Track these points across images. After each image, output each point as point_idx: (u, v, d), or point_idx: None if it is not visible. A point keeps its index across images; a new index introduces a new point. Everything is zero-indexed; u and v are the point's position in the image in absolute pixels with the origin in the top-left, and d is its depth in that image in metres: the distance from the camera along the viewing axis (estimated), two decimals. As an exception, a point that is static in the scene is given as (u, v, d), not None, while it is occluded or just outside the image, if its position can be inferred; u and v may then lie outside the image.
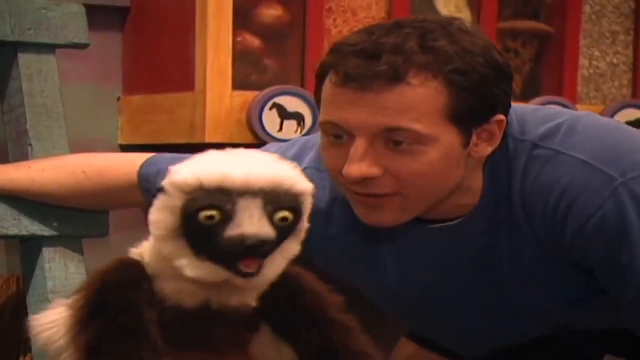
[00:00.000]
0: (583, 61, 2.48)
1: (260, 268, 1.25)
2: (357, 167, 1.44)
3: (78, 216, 1.83)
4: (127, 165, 1.75)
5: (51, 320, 1.31)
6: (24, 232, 1.81)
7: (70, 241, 1.84)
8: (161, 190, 1.26)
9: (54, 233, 1.82)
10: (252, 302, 1.32)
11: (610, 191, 1.47)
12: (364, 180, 1.45)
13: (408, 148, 1.44)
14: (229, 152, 1.30)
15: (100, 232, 1.87)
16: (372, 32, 1.45)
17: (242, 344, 1.34)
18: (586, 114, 1.59)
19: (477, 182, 1.53)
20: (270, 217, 1.24)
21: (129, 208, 1.93)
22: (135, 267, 1.30)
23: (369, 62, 1.42)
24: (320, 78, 1.48)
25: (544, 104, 2.21)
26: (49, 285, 1.80)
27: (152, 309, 1.28)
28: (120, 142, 2.32)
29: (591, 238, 1.48)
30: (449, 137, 1.44)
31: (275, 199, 1.24)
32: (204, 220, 1.23)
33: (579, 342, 1.78)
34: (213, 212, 1.22)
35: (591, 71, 2.50)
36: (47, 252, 1.82)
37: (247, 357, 1.35)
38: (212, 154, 1.29)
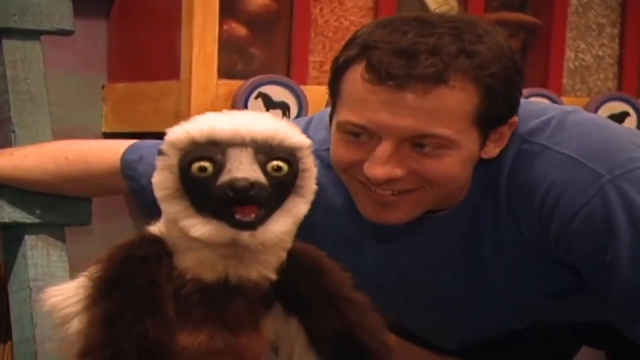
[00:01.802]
0: (569, 53, 2.48)
1: (258, 217, 1.24)
2: (382, 170, 1.43)
3: (61, 204, 1.82)
4: (109, 152, 1.75)
5: (60, 289, 1.31)
6: (6, 219, 1.80)
7: (53, 229, 1.83)
8: (160, 152, 1.28)
9: (36, 220, 1.82)
10: (271, 274, 1.31)
11: (597, 188, 1.47)
12: (387, 181, 1.45)
13: (432, 151, 1.44)
14: (226, 112, 1.31)
15: (83, 220, 1.86)
16: (403, 29, 1.43)
17: (256, 320, 1.34)
18: (575, 110, 1.59)
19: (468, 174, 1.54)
20: (263, 167, 1.24)
21: (112, 195, 1.93)
22: (156, 243, 1.31)
23: (410, 62, 1.40)
24: (342, 70, 1.46)
25: (529, 96, 2.21)
26: (31, 273, 1.79)
27: (171, 285, 1.29)
28: (104, 129, 2.32)
29: (577, 234, 1.48)
30: (470, 141, 1.45)
31: (267, 149, 1.25)
32: (197, 173, 1.24)
33: (557, 333, 1.78)
34: (205, 164, 1.24)
35: (577, 63, 2.50)
36: (29, 240, 1.81)
37: (259, 334, 1.35)
38: (208, 114, 1.30)
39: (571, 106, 1.63)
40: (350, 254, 1.63)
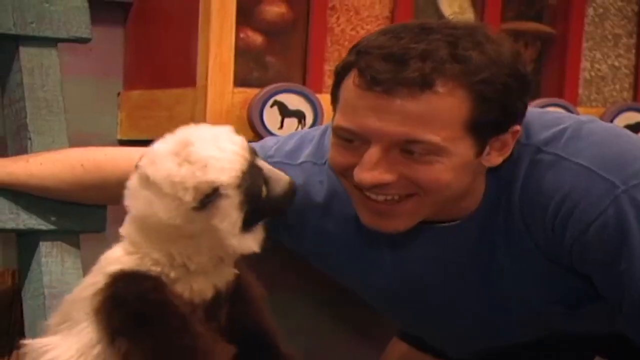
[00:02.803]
0: (585, 63, 2.48)
1: None
2: (370, 175, 1.44)
3: (76, 211, 1.83)
4: (125, 159, 1.74)
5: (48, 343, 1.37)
6: (22, 226, 1.80)
7: (68, 236, 1.84)
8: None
9: (51, 227, 1.82)
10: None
11: (611, 198, 1.47)
12: (377, 186, 1.45)
13: (422, 157, 1.44)
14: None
15: (98, 227, 1.86)
16: (399, 35, 1.44)
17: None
18: (590, 120, 1.59)
19: (480, 185, 1.53)
20: None
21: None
22: (143, 276, 1.36)
23: (397, 67, 1.41)
24: (340, 77, 1.47)
25: (544, 106, 2.20)
26: (45, 280, 1.79)
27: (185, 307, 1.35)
28: (119, 137, 2.32)
29: (591, 244, 1.48)
30: (463, 148, 1.45)
31: None
32: None
33: (570, 343, 1.78)
34: None
35: (592, 73, 2.50)
36: (44, 246, 1.82)
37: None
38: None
39: (587, 116, 1.63)
40: (364, 260, 1.64)
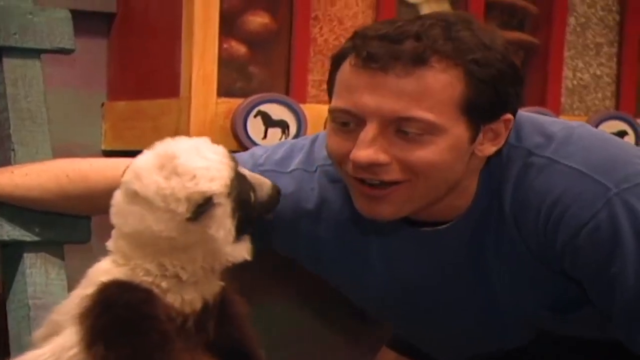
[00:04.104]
0: (567, 72, 2.49)
1: None
2: (365, 152, 1.45)
3: (60, 221, 1.82)
4: (110, 170, 1.74)
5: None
6: (5, 237, 1.80)
7: (52, 247, 1.83)
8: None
9: (35, 238, 1.81)
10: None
11: (603, 201, 1.47)
12: (371, 167, 1.46)
13: (417, 138, 1.45)
14: None
15: (83, 237, 1.86)
16: (395, 21, 1.48)
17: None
18: (580, 124, 1.60)
19: (472, 183, 1.54)
20: None
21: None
22: (135, 287, 1.36)
23: (393, 45, 1.43)
24: (337, 63, 1.49)
25: (528, 115, 2.21)
26: (30, 291, 1.79)
27: (171, 321, 1.35)
28: (103, 147, 2.32)
29: (583, 247, 1.48)
30: (458, 130, 1.45)
31: None
32: None
33: (562, 349, 1.78)
34: None
35: (575, 82, 2.51)
36: (28, 258, 1.81)
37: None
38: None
39: (576, 121, 1.64)
40: (356, 264, 1.64)
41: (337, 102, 1.48)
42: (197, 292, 1.40)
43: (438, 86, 1.43)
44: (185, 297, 1.38)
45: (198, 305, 1.39)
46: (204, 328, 1.39)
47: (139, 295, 1.34)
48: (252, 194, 1.41)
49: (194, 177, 1.36)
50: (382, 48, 1.43)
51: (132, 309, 1.32)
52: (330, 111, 1.49)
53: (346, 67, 1.47)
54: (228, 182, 1.38)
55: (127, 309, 1.32)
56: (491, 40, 1.46)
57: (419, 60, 1.43)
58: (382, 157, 1.45)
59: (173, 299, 1.37)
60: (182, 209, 1.36)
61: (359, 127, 1.46)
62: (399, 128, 1.45)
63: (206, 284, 1.41)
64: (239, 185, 1.39)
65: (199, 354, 1.39)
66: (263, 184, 1.44)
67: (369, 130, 1.45)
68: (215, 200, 1.37)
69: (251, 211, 1.41)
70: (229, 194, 1.37)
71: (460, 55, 1.43)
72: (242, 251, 1.40)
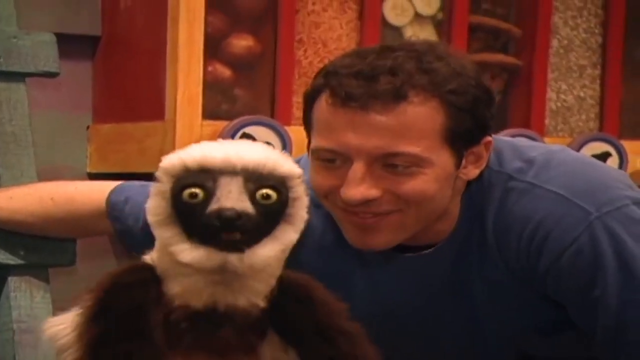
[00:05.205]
0: (550, 94, 2.50)
1: (243, 239, 1.26)
2: (356, 191, 1.44)
3: (45, 245, 1.82)
4: (95, 193, 1.74)
5: (60, 318, 1.33)
6: (-10, 260, 1.80)
7: (37, 270, 1.82)
8: (155, 179, 1.31)
9: (20, 262, 1.81)
10: (260, 301, 1.32)
11: (585, 225, 1.48)
12: (364, 203, 1.46)
13: (405, 170, 1.45)
14: (220, 141, 1.34)
15: (68, 260, 1.85)
16: (363, 55, 1.46)
17: (248, 348, 1.34)
18: (561, 149, 1.60)
19: (455, 208, 1.54)
20: (252, 195, 1.26)
21: (97, 236, 1.92)
22: (145, 270, 1.32)
23: (369, 83, 1.43)
24: (311, 101, 1.48)
25: (512, 136, 2.21)
26: (14, 315, 1.78)
27: (159, 311, 1.30)
28: (88, 170, 2.32)
29: (565, 271, 1.49)
30: (443, 159, 1.46)
31: (257, 178, 1.27)
32: (188, 199, 1.26)
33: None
34: (196, 190, 1.26)
35: (559, 104, 2.53)
36: (13, 281, 1.80)
37: None
38: (203, 143, 1.33)
39: (557, 145, 1.65)
40: (339, 290, 1.64)
41: (320, 142, 1.47)
42: (200, 289, 1.31)
43: (419, 119, 1.43)
44: (171, 291, 1.31)
45: (197, 304, 1.31)
46: (206, 333, 1.31)
47: (134, 278, 1.31)
48: (200, 195, 1.28)
49: None
50: (359, 88, 1.42)
51: (124, 292, 1.30)
52: (314, 150, 1.49)
53: (323, 106, 1.46)
54: (177, 167, 1.31)
55: (121, 290, 1.30)
56: (462, 67, 1.46)
57: (398, 96, 1.42)
58: (374, 192, 1.45)
59: (167, 288, 1.31)
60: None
61: (345, 163, 1.46)
62: (386, 162, 1.45)
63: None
64: (187, 179, 1.28)
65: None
66: (220, 200, 1.28)
67: (357, 169, 1.44)
68: None
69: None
70: (172, 179, 1.30)
71: (436, 87, 1.44)
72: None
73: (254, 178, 1.26)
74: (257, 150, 1.30)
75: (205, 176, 1.26)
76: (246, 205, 1.25)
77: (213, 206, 1.25)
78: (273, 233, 1.29)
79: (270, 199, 1.27)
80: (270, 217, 1.28)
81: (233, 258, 1.26)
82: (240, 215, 1.24)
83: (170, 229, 1.29)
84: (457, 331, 1.62)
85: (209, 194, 1.25)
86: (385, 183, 1.45)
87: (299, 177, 1.30)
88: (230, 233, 1.25)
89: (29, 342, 1.75)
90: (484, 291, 1.57)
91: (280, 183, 1.28)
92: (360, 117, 1.43)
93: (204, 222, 1.25)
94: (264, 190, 1.27)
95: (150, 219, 1.30)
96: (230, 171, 1.26)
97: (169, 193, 1.28)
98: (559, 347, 1.64)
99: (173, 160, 1.29)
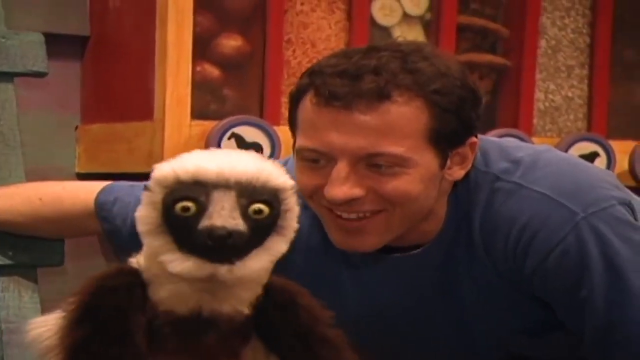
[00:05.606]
0: (539, 94, 2.51)
1: (235, 253, 1.26)
2: (340, 190, 1.45)
3: (33, 245, 1.82)
4: (84, 193, 1.74)
5: (44, 320, 1.33)
6: (-22, 261, 1.79)
7: (25, 270, 1.82)
8: (146, 188, 1.30)
9: (8, 262, 1.81)
10: (244, 308, 1.33)
11: (571, 225, 1.48)
12: (348, 202, 1.46)
13: (389, 170, 1.45)
14: (212, 151, 1.34)
15: (56, 261, 1.85)
16: (349, 55, 1.47)
17: (231, 353, 1.35)
18: (547, 149, 1.60)
19: (442, 208, 1.55)
20: (244, 210, 1.26)
21: (85, 236, 1.92)
22: (131, 274, 1.32)
23: (353, 82, 1.43)
24: (296, 101, 1.48)
25: (500, 136, 2.22)
26: (2, 315, 1.78)
27: (142, 315, 1.30)
28: (77, 170, 2.31)
29: (551, 271, 1.49)
30: (427, 159, 1.46)
31: (250, 192, 1.26)
32: (180, 212, 1.26)
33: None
34: (188, 204, 1.26)
35: (547, 104, 2.53)
36: (1, 281, 1.80)
37: None
38: (195, 152, 1.32)
39: (543, 145, 1.65)
40: (327, 291, 1.64)
41: (304, 142, 1.47)
42: (185, 294, 1.31)
43: (403, 119, 1.43)
44: (156, 296, 1.31)
45: (182, 310, 1.31)
46: (190, 339, 1.32)
47: (119, 282, 1.31)
48: (192, 209, 1.28)
49: None
50: (343, 87, 1.43)
51: (108, 295, 1.30)
52: (298, 150, 1.49)
53: (307, 105, 1.46)
54: (170, 179, 1.30)
55: (105, 293, 1.30)
56: (447, 68, 1.47)
57: (381, 96, 1.43)
58: (357, 191, 1.45)
59: (152, 293, 1.32)
60: None
61: (329, 163, 1.46)
62: (369, 162, 1.45)
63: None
64: (180, 192, 1.28)
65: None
66: (212, 216, 1.27)
67: (341, 169, 1.45)
68: None
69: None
70: (164, 190, 1.30)
71: (420, 87, 1.44)
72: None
73: (247, 193, 1.26)
74: (250, 162, 1.29)
75: (198, 190, 1.26)
76: (238, 223, 1.25)
77: (205, 222, 1.24)
78: (264, 244, 1.29)
79: (262, 214, 1.27)
80: (261, 230, 1.28)
81: (223, 270, 1.26)
82: (231, 234, 1.24)
83: (160, 239, 1.29)
84: (446, 331, 1.62)
85: (202, 208, 1.25)
86: (369, 182, 1.45)
87: (291, 189, 1.30)
88: (221, 249, 1.25)
89: (17, 342, 1.74)
90: (473, 291, 1.57)
91: (272, 196, 1.28)
92: (344, 117, 1.43)
93: (195, 237, 1.25)
94: (257, 205, 1.27)
95: (141, 228, 1.30)
96: (223, 185, 1.26)
97: (160, 204, 1.28)
98: (548, 348, 1.64)
99: (166, 170, 1.28)
